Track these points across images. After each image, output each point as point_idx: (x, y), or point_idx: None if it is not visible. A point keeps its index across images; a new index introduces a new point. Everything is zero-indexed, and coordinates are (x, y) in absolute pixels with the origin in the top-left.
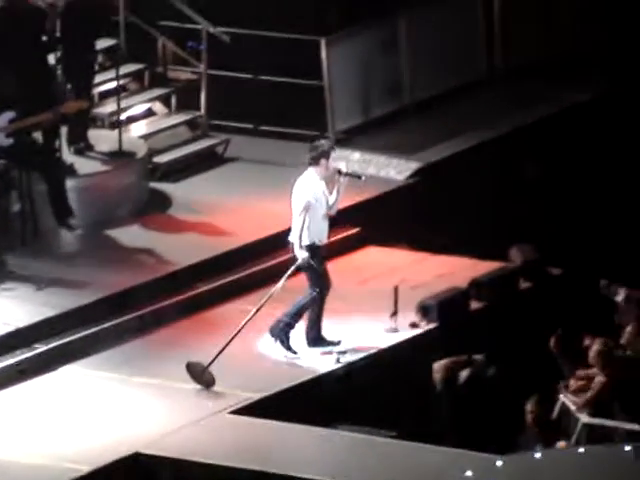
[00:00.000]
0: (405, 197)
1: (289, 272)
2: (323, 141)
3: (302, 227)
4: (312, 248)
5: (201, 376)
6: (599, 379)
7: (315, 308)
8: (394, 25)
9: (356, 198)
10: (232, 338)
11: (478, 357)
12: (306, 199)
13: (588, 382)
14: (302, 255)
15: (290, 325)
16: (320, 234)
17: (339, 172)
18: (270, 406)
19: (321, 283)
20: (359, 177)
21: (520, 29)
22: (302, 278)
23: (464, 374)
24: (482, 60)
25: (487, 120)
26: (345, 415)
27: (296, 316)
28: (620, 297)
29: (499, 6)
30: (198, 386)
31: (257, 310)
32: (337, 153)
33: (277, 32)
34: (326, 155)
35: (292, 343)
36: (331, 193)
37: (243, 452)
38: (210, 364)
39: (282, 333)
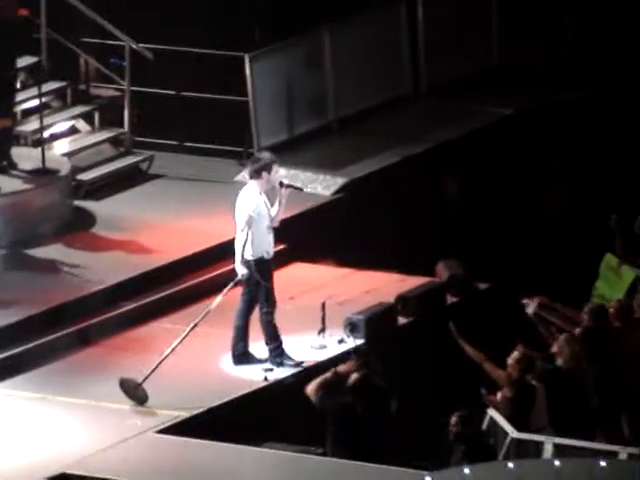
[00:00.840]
0: (332, 213)
1: (227, 288)
2: (264, 154)
3: (245, 242)
4: (261, 262)
5: (134, 392)
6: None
7: (243, 321)
8: (318, 41)
9: (282, 214)
10: (166, 355)
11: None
12: (247, 213)
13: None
14: (242, 271)
15: (277, 347)
16: (267, 247)
17: (280, 184)
18: (198, 425)
19: (272, 298)
20: (300, 189)
21: (444, 43)
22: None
23: (353, 378)
24: (407, 75)
25: (412, 135)
26: (274, 433)
27: (274, 337)
28: (530, 309)
29: (423, 21)
30: (129, 403)
31: (193, 327)
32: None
33: (201, 48)
34: (268, 168)
35: (291, 355)
36: (272, 205)
37: (170, 472)
38: (144, 380)
39: (277, 358)
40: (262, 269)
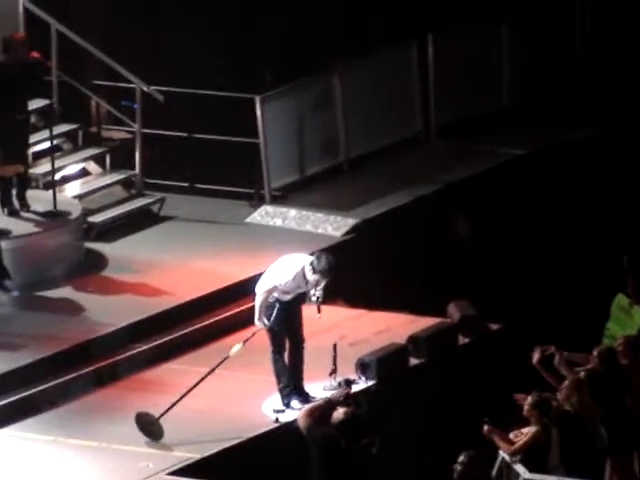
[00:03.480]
0: (342, 253)
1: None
2: (331, 262)
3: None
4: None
5: (151, 428)
6: (532, 430)
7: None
8: (329, 82)
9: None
10: (185, 394)
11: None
12: (276, 285)
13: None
14: (258, 324)
15: (284, 388)
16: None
17: (313, 295)
18: (210, 466)
19: (278, 340)
20: (318, 311)
21: (455, 83)
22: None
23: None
24: (417, 116)
25: (423, 176)
26: (286, 475)
27: (279, 378)
28: (534, 359)
29: (433, 61)
30: (141, 445)
31: (212, 371)
32: (273, 211)
33: (212, 90)
34: (325, 275)
35: (305, 393)
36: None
37: None
38: (161, 416)
39: (284, 399)
40: (271, 312)
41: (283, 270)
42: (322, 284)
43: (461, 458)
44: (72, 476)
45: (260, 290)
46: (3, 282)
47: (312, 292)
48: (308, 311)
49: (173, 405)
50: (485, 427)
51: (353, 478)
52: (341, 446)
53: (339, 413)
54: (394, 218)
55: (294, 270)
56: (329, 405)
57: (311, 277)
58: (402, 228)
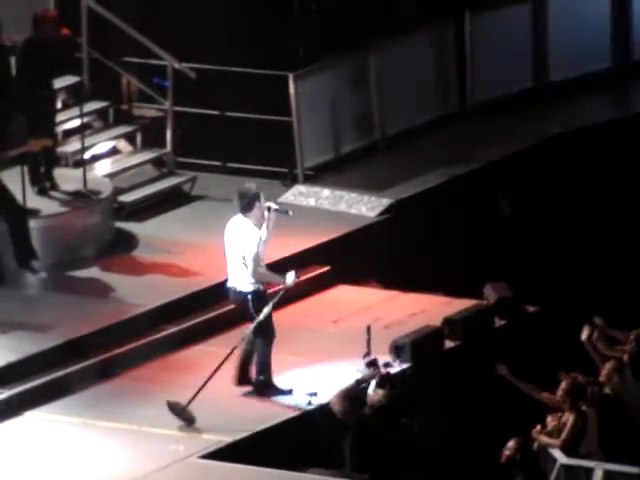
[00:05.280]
0: (376, 234)
1: (267, 310)
2: (249, 186)
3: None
4: (256, 294)
5: (182, 414)
6: (570, 418)
7: (263, 355)
8: (364, 60)
9: (327, 236)
10: (210, 377)
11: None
12: (252, 250)
13: (561, 423)
14: (289, 280)
15: (265, 380)
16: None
17: (268, 209)
18: (242, 450)
19: (265, 330)
20: (287, 212)
21: (492, 61)
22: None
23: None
24: (454, 94)
25: (459, 155)
26: (318, 458)
27: (266, 371)
28: (583, 335)
29: (470, 38)
30: (172, 428)
31: (232, 350)
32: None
33: (244, 67)
34: (257, 197)
35: (279, 385)
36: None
37: None
38: (188, 404)
39: (265, 390)
40: (257, 301)
41: (243, 236)
42: (264, 204)
43: (511, 444)
44: (102, 459)
45: (240, 263)
46: (31, 263)
47: (269, 213)
48: (341, 291)
49: (199, 391)
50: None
51: (388, 460)
52: (377, 428)
53: (378, 395)
54: (429, 198)
55: (248, 226)
56: (362, 387)
57: (259, 207)
58: (438, 208)
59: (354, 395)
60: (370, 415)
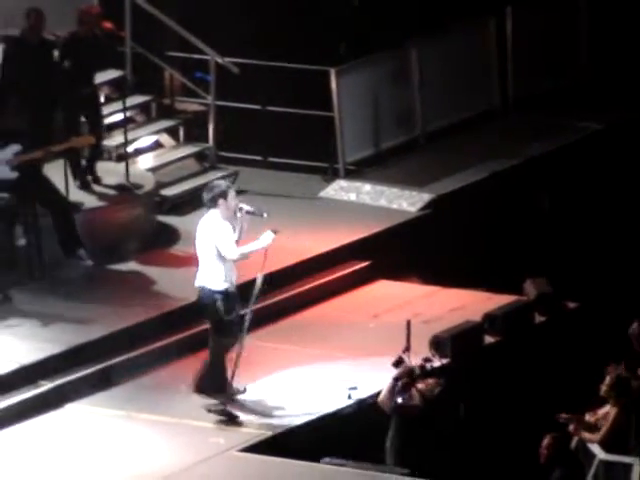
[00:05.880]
0: (417, 229)
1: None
2: (219, 181)
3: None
4: (226, 294)
5: (223, 414)
6: (613, 412)
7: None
8: (405, 55)
9: (367, 231)
10: (235, 369)
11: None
12: (217, 244)
13: (602, 418)
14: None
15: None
16: (232, 277)
17: (240, 210)
18: (281, 443)
19: (228, 330)
20: (261, 215)
21: (533, 57)
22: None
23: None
24: (495, 90)
25: (500, 151)
26: (357, 452)
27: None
28: (631, 329)
29: (512, 35)
30: (212, 421)
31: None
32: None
33: (286, 62)
34: (223, 195)
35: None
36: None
37: None
38: (226, 403)
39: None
40: (227, 302)
41: (210, 230)
42: (237, 202)
43: (547, 441)
44: (143, 451)
45: (207, 259)
46: (78, 251)
47: (241, 214)
48: (381, 286)
49: (233, 395)
50: (570, 426)
51: (440, 449)
52: (428, 417)
53: (430, 384)
54: (470, 193)
55: (215, 220)
56: (410, 378)
57: (225, 205)
58: (478, 204)
59: (403, 386)
60: (425, 405)
